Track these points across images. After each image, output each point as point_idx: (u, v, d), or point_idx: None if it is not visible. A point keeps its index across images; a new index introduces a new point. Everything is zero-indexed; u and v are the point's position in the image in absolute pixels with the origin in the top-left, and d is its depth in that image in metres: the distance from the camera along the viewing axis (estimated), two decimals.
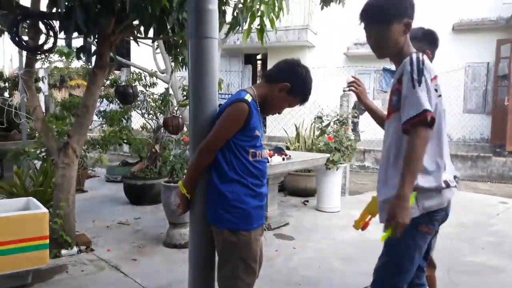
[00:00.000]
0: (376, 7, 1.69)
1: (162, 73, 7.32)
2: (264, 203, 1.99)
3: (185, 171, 3.83)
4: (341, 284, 3.09)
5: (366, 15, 1.72)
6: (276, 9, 3.68)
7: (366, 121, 9.05)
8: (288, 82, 1.92)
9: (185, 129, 5.01)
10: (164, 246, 3.81)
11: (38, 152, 4.83)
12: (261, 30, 4.48)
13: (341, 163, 5.12)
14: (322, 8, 6.74)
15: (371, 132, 9.31)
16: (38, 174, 4.27)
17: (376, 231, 4.39)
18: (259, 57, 15.22)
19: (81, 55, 3.47)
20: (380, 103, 9.39)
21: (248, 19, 3.82)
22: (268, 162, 4.11)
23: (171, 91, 6.57)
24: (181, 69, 4.40)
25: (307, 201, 5.81)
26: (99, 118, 6.39)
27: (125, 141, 5.88)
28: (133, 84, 4.94)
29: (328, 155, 4.87)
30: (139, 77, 5.26)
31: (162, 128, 5.34)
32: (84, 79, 12.59)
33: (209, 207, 1.90)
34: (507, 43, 9.54)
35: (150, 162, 5.49)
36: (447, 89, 9.91)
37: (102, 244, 3.83)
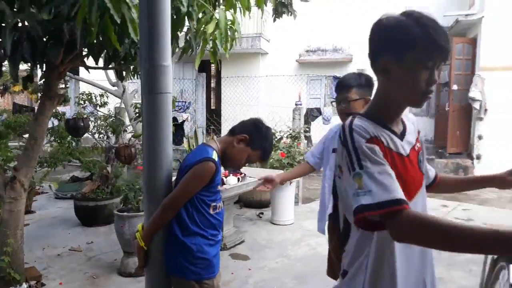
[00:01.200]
0: None
1: (113, 85, 7.17)
2: (219, 248, 2.07)
3: (139, 198, 3.81)
4: None
5: None
6: (229, 38, 3.74)
7: (317, 127, 9.35)
8: (247, 134, 2.01)
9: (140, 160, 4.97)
10: (118, 275, 3.77)
11: None
12: (214, 53, 4.53)
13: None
14: (274, 20, 6.86)
15: (320, 136, 9.64)
16: None
17: (325, 246, 4.58)
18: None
19: (28, 85, 3.38)
20: (331, 110, 9.67)
21: (201, 43, 3.86)
22: (224, 184, 4.17)
23: (123, 105, 6.49)
24: (132, 78, 4.31)
25: (262, 213, 5.93)
26: (46, 136, 6.18)
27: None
28: (84, 116, 4.83)
29: (281, 171, 5.00)
30: (89, 97, 5.14)
31: (114, 149, 5.27)
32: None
33: (170, 259, 1.94)
34: None
35: (102, 183, 5.39)
36: None
37: (54, 277, 3.74)
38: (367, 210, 1.05)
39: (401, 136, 1.27)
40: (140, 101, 6.13)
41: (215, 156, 1.92)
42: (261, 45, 11.84)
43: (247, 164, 2.22)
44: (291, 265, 4.05)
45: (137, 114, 5.68)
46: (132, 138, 4.73)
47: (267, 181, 2.48)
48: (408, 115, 1.39)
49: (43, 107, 3.52)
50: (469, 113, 9.07)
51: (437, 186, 1.56)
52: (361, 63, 10.88)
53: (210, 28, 3.89)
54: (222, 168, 2.14)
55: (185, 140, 7.64)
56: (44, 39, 2.99)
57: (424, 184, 1.34)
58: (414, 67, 1.14)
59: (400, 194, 1.07)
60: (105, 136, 5.50)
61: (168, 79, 1.95)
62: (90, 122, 4.98)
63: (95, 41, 2.99)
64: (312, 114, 9.06)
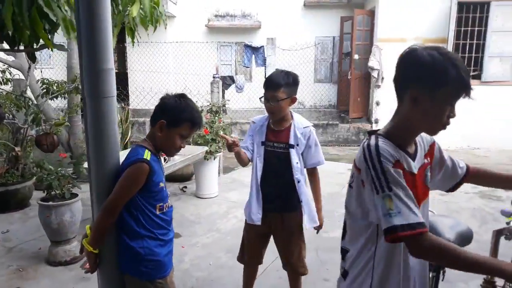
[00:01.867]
0: None
1: (9, 55, 6.45)
2: (172, 246, 2.14)
3: (63, 186, 3.66)
4: (231, 281, 3.42)
5: None
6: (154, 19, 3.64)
7: (231, 95, 9.49)
8: (162, 118, 1.94)
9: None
10: (48, 265, 3.64)
11: None
12: (131, 29, 4.37)
13: (217, 152, 5.41)
14: None
15: (234, 103, 9.81)
16: None
17: None
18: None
19: None
20: (243, 78, 9.84)
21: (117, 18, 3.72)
22: None
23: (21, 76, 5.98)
24: None
25: (186, 187, 6.01)
26: None
27: None
28: None
29: (206, 148, 5.09)
30: None
31: (23, 130, 4.88)
32: None
33: (123, 261, 1.98)
34: (349, 20, 10.77)
35: (11, 165, 5.00)
36: (301, 61, 10.88)
37: None
38: (401, 231, 1.21)
39: (413, 156, 1.42)
40: (45, 76, 5.65)
41: (147, 155, 1.89)
42: (168, 7, 11.40)
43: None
44: (222, 239, 4.26)
45: (45, 90, 5.26)
46: (53, 126, 4.42)
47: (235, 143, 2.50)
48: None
49: None
50: (368, 81, 9.90)
51: (469, 179, 1.64)
52: (270, 31, 11.13)
53: (134, 10, 3.77)
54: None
55: None
56: None
57: (428, 196, 1.50)
58: (443, 103, 1.29)
59: (422, 217, 1.25)
60: (10, 115, 5.04)
61: (113, 82, 1.92)
62: None
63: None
64: (225, 83, 9.14)
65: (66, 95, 5.47)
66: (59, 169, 3.64)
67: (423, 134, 1.50)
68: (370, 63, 9.35)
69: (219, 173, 6.38)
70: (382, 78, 9.33)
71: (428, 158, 1.50)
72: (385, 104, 9.42)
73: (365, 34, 10.03)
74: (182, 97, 2.01)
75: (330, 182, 6.05)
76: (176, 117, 1.94)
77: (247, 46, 9.89)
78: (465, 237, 2.13)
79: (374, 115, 9.57)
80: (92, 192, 2.01)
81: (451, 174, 1.60)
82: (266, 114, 2.68)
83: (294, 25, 11.38)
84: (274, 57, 9.15)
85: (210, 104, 5.89)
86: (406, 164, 1.35)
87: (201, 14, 11.72)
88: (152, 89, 10.73)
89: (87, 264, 2.00)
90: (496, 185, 1.68)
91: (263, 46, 9.65)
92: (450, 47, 8.96)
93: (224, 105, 6.07)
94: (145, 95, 10.81)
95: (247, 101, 10.44)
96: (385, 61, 9.20)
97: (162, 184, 1.99)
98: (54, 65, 11.25)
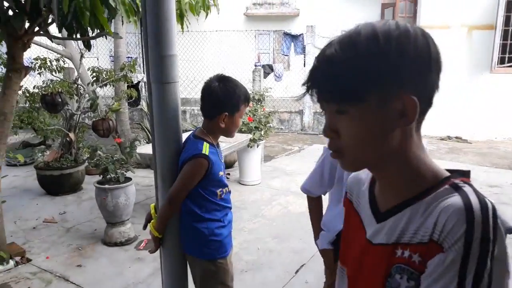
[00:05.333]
0: None
1: (58, 44, 6.72)
2: (231, 228, 2.20)
3: (118, 170, 3.82)
4: (280, 264, 3.50)
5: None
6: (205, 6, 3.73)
7: (269, 84, 9.50)
8: (222, 111, 1.96)
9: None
10: (105, 245, 3.83)
11: None
12: (181, 16, 4.46)
13: (260, 140, 5.47)
14: None
15: (272, 92, 9.82)
16: None
17: (297, 203, 4.85)
18: None
19: None
20: (282, 66, 9.81)
21: None
22: None
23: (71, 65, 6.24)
24: None
25: (229, 174, 6.12)
26: None
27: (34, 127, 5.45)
28: (59, 90, 4.57)
29: (250, 135, 5.16)
30: (44, 63, 4.82)
31: (76, 116, 5.09)
32: None
33: (186, 241, 2.06)
34: (390, 7, 10.54)
35: (65, 151, 5.24)
36: None
37: (37, 251, 3.72)
38: None
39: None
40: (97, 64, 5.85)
41: (205, 149, 1.94)
42: None
43: None
44: (268, 224, 4.33)
45: (95, 78, 5.45)
46: (109, 111, 4.60)
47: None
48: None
49: (9, 81, 3.37)
50: None
51: None
52: (308, 18, 11.02)
53: None
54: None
55: (143, 101, 7.47)
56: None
57: None
58: None
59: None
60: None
61: (176, 68, 1.98)
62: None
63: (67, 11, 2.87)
64: (264, 71, 9.13)
65: (113, 83, 5.66)
66: (114, 153, 3.79)
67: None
68: None
69: (261, 161, 6.45)
70: None
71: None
72: None
73: (408, 21, 9.77)
74: (225, 80, 2.01)
75: None
76: (234, 104, 1.98)
77: (286, 34, 9.80)
78: None
79: None
80: (157, 176, 2.09)
81: None
82: None
83: (333, 12, 11.23)
84: (313, 45, 9.05)
85: (252, 92, 5.94)
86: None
87: (240, 2, 11.74)
88: (195, 78, 10.88)
89: (142, 245, 2.10)
90: None
91: (302, 34, 9.54)
92: (498, 34, 8.62)
93: (265, 93, 6.10)
94: (188, 83, 10.93)
95: (284, 90, 10.43)
96: None
97: (221, 173, 2.06)
98: (98, 54, 11.58)
